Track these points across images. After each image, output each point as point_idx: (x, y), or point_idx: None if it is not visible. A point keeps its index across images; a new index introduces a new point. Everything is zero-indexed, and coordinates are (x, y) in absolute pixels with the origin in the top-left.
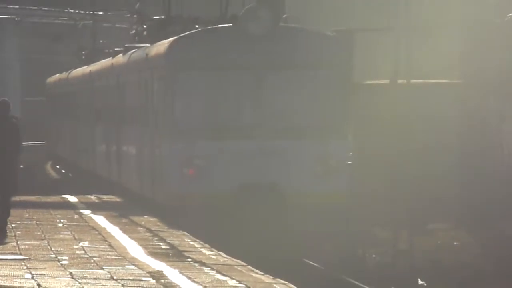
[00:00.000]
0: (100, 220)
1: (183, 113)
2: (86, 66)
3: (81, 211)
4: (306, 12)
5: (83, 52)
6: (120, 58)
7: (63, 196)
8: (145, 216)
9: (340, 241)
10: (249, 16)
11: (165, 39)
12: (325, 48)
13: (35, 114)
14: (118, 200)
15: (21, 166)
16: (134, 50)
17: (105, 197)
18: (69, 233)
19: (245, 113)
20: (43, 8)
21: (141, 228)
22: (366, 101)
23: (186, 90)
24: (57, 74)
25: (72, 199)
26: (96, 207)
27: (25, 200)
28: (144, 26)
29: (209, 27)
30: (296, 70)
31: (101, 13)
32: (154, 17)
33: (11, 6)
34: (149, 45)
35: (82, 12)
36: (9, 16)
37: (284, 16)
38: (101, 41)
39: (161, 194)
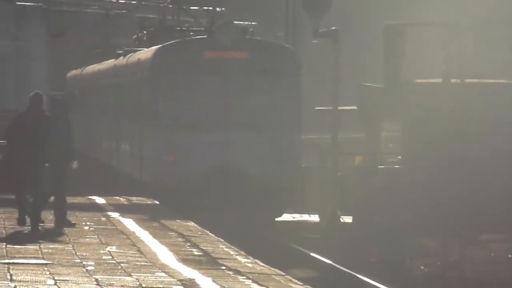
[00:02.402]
0: (129, 223)
1: (165, 109)
2: (95, 64)
3: (109, 213)
4: (357, 7)
5: (97, 50)
6: (120, 60)
7: (90, 197)
8: (177, 220)
9: (386, 250)
10: (221, 29)
11: (161, 44)
12: (281, 57)
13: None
14: (148, 202)
15: (46, 164)
16: (131, 54)
17: (134, 199)
18: (96, 236)
19: (215, 110)
20: None
21: (173, 233)
22: (416, 101)
23: (167, 89)
24: (74, 70)
25: (100, 200)
26: (125, 210)
27: (50, 200)
28: (145, 32)
29: (187, 38)
30: (257, 76)
31: (134, 2)
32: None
33: None
34: (143, 49)
35: (114, 1)
36: (36, 4)
37: (251, 30)
38: (139, 34)
39: (147, 176)
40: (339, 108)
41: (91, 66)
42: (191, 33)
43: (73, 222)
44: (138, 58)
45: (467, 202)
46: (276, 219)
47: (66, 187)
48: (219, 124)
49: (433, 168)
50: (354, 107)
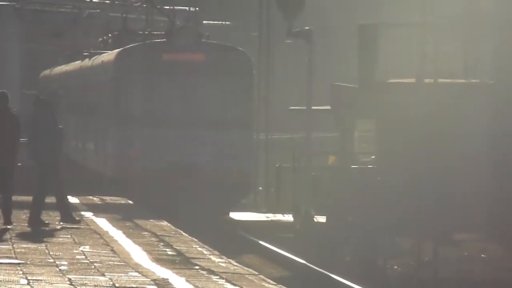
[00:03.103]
0: (103, 223)
1: (127, 107)
2: (63, 65)
3: (82, 213)
4: (332, 5)
5: (66, 52)
6: (86, 62)
7: None
8: (151, 220)
9: (359, 250)
10: (179, 33)
11: (124, 47)
12: (234, 59)
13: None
14: (122, 202)
15: (19, 164)
16: (96, 56)
17: (108, 199)
18: (69, 236)
19: (173, 108)
20: None
21: (146, 233)
22: (390, 101)
23: (128, 89)
24: (45, 70)
25: (73, 200)
26: (98, 209)
27: (22, 200)
28: (110, 35)
29: (148, 42)
30: (212, 76)
31: (107, 1)
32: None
33: None
34: (107, 52)
35: (87, 0)
36: (9, 3)
37: (207, 34)
38: (104, 37)
39: (110, 170)
40: (313, 108)
41: (59, 67)
42: (152, 37)
43: (46, 221)
44: (102, 60)
45: (441, 202)
46: (231, 212)
47: (48, 188)
48: (177, 121)
49: (407, 168)
50: (328, 107)
